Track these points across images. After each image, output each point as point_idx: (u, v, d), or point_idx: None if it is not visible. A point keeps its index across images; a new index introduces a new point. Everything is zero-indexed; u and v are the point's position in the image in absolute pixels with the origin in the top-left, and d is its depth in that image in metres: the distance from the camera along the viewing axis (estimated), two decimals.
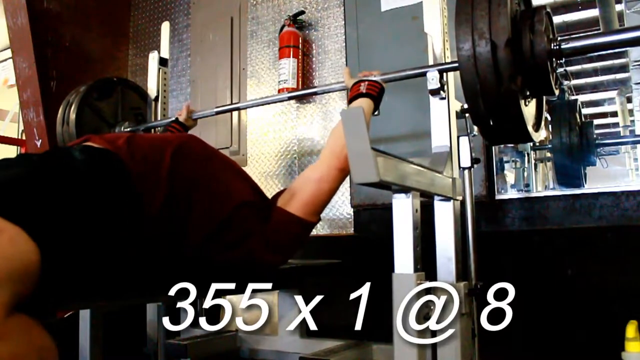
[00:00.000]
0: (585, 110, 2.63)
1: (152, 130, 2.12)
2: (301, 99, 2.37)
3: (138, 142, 1.27)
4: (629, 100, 2.61)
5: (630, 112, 2.60)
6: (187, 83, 2.81)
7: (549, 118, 2.46)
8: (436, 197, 1.26)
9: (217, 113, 1.99)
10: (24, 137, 3.57)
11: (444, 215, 1.26)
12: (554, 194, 1.87)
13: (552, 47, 1.12)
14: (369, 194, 2.09)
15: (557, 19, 2.34)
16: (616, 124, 2.69)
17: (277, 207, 1.37)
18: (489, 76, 1.02)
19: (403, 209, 1.06)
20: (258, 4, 2.60)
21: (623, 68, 2.64)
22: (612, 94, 2.72)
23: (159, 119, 2.12)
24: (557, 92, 1.16)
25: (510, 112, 1.07)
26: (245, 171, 1.52)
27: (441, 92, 1.29)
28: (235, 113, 2.58)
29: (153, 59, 2.19)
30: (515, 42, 1.05)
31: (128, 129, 2.15)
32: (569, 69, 2.58)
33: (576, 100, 2.55)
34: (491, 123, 1.10)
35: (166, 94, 2.19)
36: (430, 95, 1.32)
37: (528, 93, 1.16)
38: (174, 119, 1.96)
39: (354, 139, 0.85)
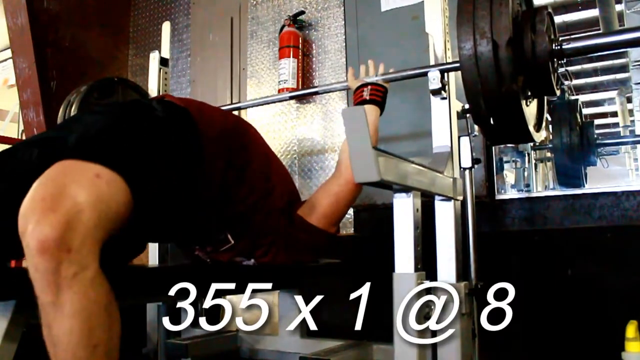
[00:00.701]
0: (585, 111, 2.63)
1: None
2: (301, 99, 2.37)
3: (207, 108, 1.38)
4: (629, 100, 2.60)
5: (630, 112, 2.60)
6: (187, 83, 2.81)
7: (549, 118, 2.46)
8: (437, 197, 1.26)
9: None
10: (24, 137, 3.56)
11: (445, 216, 1.26)
12: (554, 194, 1.87)
13: (554, 47, 1.12)
14: (369, 194, 2.09)
15: (557, 19, 2.33)
16: (616, 124, 2.69)
17: (299, 216, 1.43)
18: (490, 76, 1.02)
19: (404, 209, 1.06)
20: (258, 4, 2.60)
21: (623, 68, 2.64)
22: (612, 94, 2.72)
23: None
24: (558, 92, 1.16)
25: (511, 112, 1.07)
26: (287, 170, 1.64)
27: (442, 92, 1.29)
28: (235, 113, 2.58)
29: (154, 59, 2.19)
30: (516, 42, 1.05)
31: None
32: (569, 69, 2.58)
33: (577, 100, 2.55)
34: (492, 123, 1.10)
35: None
36: (431, 95, 1.32)
37: (529, 93, 1.16)
38: None
39: (355, 138, 0.85)
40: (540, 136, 1.27)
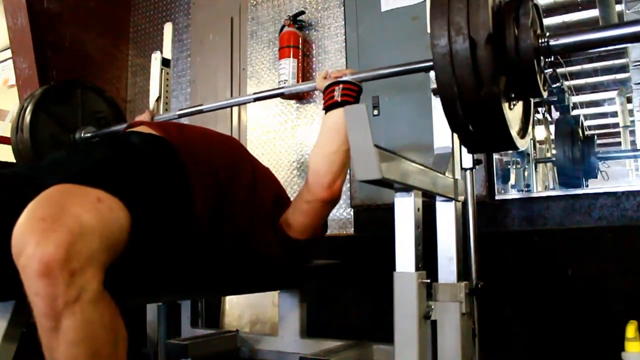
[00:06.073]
0: (585, 111, 2.63)
1: None
2: (301, 99, 2.37)
3: (189, 131, 1.36)
4: (629, 100, 2.60)
5: (630, 112, 2.60)
6: (187, 83, 2.81)
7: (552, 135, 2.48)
8: (438, 198, 1.25)
9: (180, 116, 1.88)
10: None
11: (446, 216, 1.25)
12: (554, 194, 1.87)
13: (540, 43, 1.01)
14: (369, 194, 2.09)
15: (557, 19, 2.33)
16: (616, 124, 2.69)
17: (281, 227, 1.39)
18: (467, 77, 0.90)
19: (405, 208, 1.06)
20: (258, 4, 2.60)
21: (623, 68, 2.63)
22: (612, 94, 2.72)
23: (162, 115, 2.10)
24: (545, 94, 1.04)
25: (491, 118, 0.96)
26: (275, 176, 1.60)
27: None
28: (235, 113, 2.59)
29: (156, 59, 2.19)
30: (497, 38, 0.94)
31: (89, 134, 2.07)
32: (569, 69, 2.58)
33: (578, 116, 2.57)
34: (471, 129, 0.99)
35: (168, 95, 2.19)
36: (432, 95, 1.31)
37: (513, 95, 1.06)
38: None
39: (357, 136, 0.84)
40: (525, 143, 1.13)
